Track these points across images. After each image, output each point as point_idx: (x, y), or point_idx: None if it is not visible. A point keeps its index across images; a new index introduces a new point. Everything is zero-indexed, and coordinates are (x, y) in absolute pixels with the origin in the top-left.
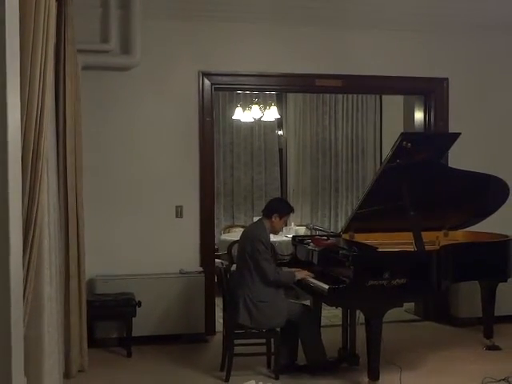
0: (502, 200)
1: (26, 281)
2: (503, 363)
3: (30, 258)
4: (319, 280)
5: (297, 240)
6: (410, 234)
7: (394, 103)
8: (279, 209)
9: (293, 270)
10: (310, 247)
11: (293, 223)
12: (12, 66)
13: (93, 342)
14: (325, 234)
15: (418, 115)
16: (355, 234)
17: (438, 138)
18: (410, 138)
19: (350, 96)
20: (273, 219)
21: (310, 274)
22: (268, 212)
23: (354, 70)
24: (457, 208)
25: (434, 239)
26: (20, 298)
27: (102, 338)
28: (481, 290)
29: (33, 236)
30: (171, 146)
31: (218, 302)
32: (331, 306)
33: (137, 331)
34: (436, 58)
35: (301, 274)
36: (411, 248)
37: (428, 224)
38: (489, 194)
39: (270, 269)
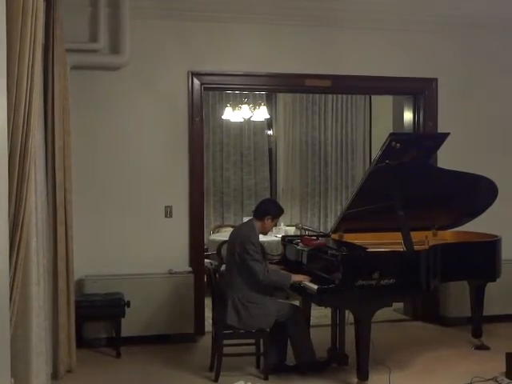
0: (491, 200)
1: (14, 281)
2: (492, 363)
3: (17, 259)
4: (309, 280)
5: (286, 240)
6: (399, 234)
7: (383, 103)
8: (272, 211)
9: (290, 274)
10: (299, 247)
11: (282, 223)
12: None
13: (81, 342)
14: (314, 234)
15: (407, 115)
16: (344, 234)
17: (427, 138)
18: (399, 139)
19: (339, 96)
20: (265, 221)
21: (307, 277)
22: (260, 214)
23: (343, 71)
24: (445, 208)
25: (423, 239)
26: (6, 298)
27: (91, 338)
28: (469, 290)
29: (20, 236)
30: (160, 146)
31: (208, 303)
32: (320, 306)
33: (126, 331)
34: (425, 59)
35: (298, 277)
36: (400, 248)
37: (417, 224)
38: (477, 194)
39: (259, 268)
